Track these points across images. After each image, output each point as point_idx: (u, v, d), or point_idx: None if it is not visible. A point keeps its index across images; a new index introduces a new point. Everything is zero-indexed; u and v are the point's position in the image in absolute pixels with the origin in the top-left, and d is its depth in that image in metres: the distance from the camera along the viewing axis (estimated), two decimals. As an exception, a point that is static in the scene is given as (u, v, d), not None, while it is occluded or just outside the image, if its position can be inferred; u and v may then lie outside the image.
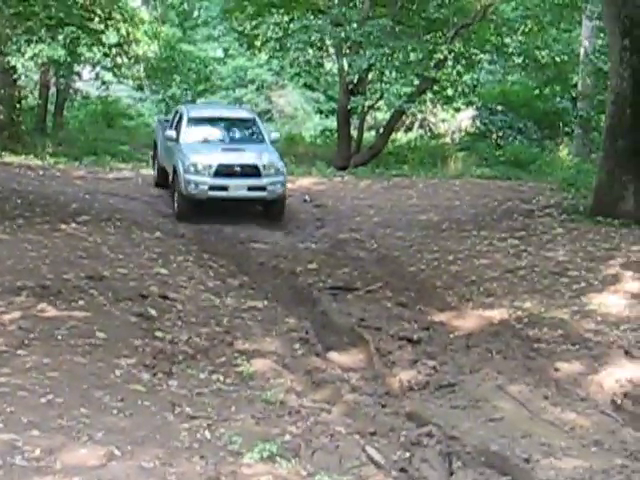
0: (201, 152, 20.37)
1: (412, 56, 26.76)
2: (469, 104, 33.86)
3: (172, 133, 21.21)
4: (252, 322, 12.12)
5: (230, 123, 22.68)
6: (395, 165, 29.08)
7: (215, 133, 22.18)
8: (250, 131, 22.34)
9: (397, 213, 21.58)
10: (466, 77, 31.97)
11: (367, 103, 29.90)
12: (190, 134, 21.23)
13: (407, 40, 26.11)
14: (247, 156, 20.52)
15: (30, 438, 6.89)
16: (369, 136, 32.55)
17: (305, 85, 36.65)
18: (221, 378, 9.53)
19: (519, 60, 32.65)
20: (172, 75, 40.25)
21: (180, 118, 21.95)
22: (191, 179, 19.51)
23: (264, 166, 20.00)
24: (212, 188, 19.55)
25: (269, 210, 20.49)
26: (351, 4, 27.63)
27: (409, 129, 35.66)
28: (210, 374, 9.63)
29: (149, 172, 25.84)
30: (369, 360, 11.34)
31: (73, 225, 16.48)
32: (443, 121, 34.59)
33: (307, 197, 23.31)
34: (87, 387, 8.36)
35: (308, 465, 7.21)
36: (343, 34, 26.61)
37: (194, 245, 16.81)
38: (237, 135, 22.47)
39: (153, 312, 11.58)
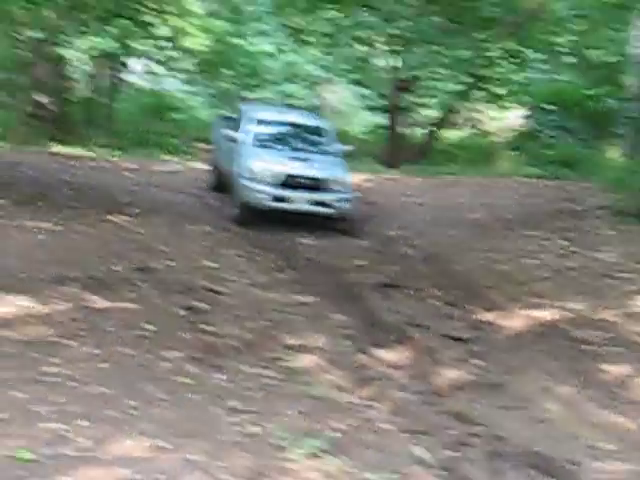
0: (265, 158, 18.87)
1: (463, 54, 26.49)
2: (519, 103, 33.63)
3: (235, 134, 19.61)
4: (299, 317, 12.11)
5: (299, 129, 20.90)
6: (444, 163, 28.93)
7: (282, 139, 20.42)
8: (319, 139, 20.52)
9: (446, 211, 21.46)
10: (516, 76, 31.74)
11: (417, 100, 29.82)
12: (255, 137, 19.65)
13: (458, 38, 25.88)
14: (314, 168, 18.92)
15: (79, 428, 6.96)
16: (419, 134, 32.38)
17: (354, 81, 36.59)
18: (268, 372, 9.53)
19: (570, 59, 32.44)
20: (222, 69, 40.22)
21: (244, 118, 20.40)
22: (252, 187, 18.17)
23: (330, 180, 18.59)
24: (275, 199, 18.18)
25: (335, 226, 18.57)
26: (403, 1, 27.45)
27: (458, 127, 35.44)
28: (257, 368, 9.63)
29: (198, 165, 25.85)
30: (416, 358, 11.30)
31: (122, 217, 16.52)
32: (492, 120, 34.29)
33: (358, 193, 23.14)
34: (135, 379, 8.42)
35: (355, 462, 7.19)
36: (394, 31, 26.46)
37: (242, 239, 16.79)
38: (305, 144, 20.46)
39: (201, 305, 11.64)
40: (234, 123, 20.61)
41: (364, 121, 38.05)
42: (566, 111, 33.56)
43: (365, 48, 31.56)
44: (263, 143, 19.65)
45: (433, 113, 32.46)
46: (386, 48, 30.48)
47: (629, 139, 32.90)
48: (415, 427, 8.43)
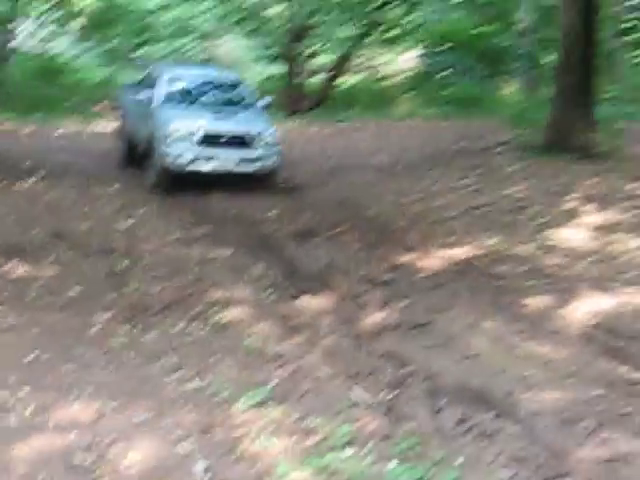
0: (181, 118, 17.38)
1: (355, -1, 26.60)
2: (413, 45, 33.85)
3: (147, 94, 18.27)
4: (222, 271, 12.10)
5: (214, 84, 19.67)
6: (343, 109, 29.02)
7: (197, 96, 18.99)
8: (238, 94, 19.41)
9: (350, 157, 21.61)
10: (408, 18, 31.92)
11: (312, 48, 29.85)
12: (169, 97, 18.35)
13: (350, -17, 25.97)
14: (236, 123, 17.76)
15: (19, 397, 6.90)
16: (316, 81, 32.40)
17: (247, 32, 36.45)
18: (199, 327, 9.54)
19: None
20: (111, 28, 39.73)
21: (156, 79, 18.97)
22: (169, 150, 16.84)
23: (256, 135, 17.35)
24: (196, 160, 16.90)
25: (259, 181, 17.68)
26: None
27: (354, 73, 35.52)
28: (187, 324, 9.60)
29: (96, 126, 25.65)
30: (340, 303, 11.38)
31: (30, 181, 16.33)
32: (387, 63, 34.48)
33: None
34: (69, 343, 8.38)
35: (297, 409, 7.23)
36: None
37: (153, 197, 16.69)
38: (223, 99, 19.22)
39: (123, 265, 11.58)
40: (143, 87, 19.33)
41: (259, 72, 37.88)
42: (459, 50, 33.90)
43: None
44: (177, 102, 18.32)
45: (329, 60, 32.47)
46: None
47: (523, 75, 33.42)
48: (350, 371, 8.48)
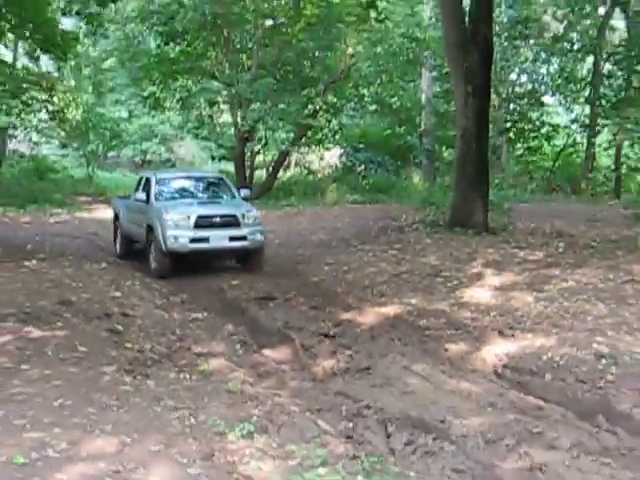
0: (175, 208, 17.01)
1: (292, 108, 26.93)
2: (336, 144, 34.34)
3: (142, 195, 17.75)
4: (199, 330, 12.22)
5: (199, 182, 19.34)
6: (283, 197, 29.29)
7: (186, 192, 18.64)
8: (220, 188, 18.97)
9: (293, 235, 21.86)
10: (333, 123, 32.42)
11: (257, 148, 30.20)
12: (161, 195, 17.95)
13: (287, 95, 26.35)
14: (225, 207, 17.53)
15: (54, 434, 6.91)
16: (260, 174, 32.71)
17: (199, 136, 36.79)
18: (187, 376, 9.60)
19: (374, 107, 33.35)
20: (90, 134, 39.87)
21: (147, 181, 18.46)
22: (169, 234, 16.31)
23: (242, 215, 16.90)
24: (194, 240, 16.37)
25: (249, 260, 17.43)
26: (239, 68, 27.81)
27: (289, 167, 35.91)
28: (178, 374, 9.68)
29: (82, 215, 25.61)
30: (296, 354, 11.53)
31: (34, 262, 16.26)
32: (317, 159, 34.94)
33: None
34: (86, 391, 8.36)
35: (277, 439, 7.34)
36: (235, 92, 26.77)
37: (136, 272, 16.75)
38: (209, 192, 18.89)
39: (119, 327, 11.58)
40: (139, 188, 18.75)
41: (213, 168, 38.09)
42: (373, 148, 34.47)
43: (212, 108, 31.81)
44: (169, 199, 17.94)
45: (271, 157, 32.78)
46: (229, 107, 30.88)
47: (425, 167, 34.05)
48: (313, 407, 8.64)
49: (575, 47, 30.14)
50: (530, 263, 15.37)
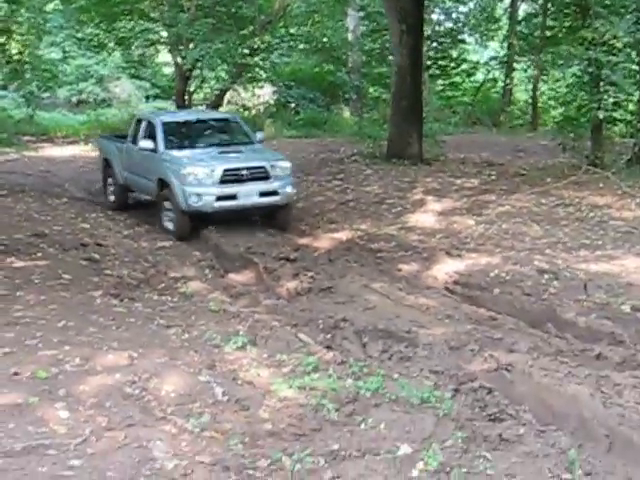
0: (193, 160, 14.06)
1: (230, 47, 26.78)
2: (269, 81, 34.27)
3: (148, 143, 14.60)
4: (169, 257, 12.43)
5: (212, 125, 16.35)
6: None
7: (198, 138, 15.54)
8: (236, 132, 15.95)
9: (237, 168, 21.84)
10: (267, 61, 32.32)
11: (196, 86, 30.12)
12: (172, 143, 14.81)
13: (225, 35, 26.24)
14: (249, 158, 14.40)
15: (66, 352, 7.13)
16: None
17: (135, 76, 36.43)
18: (170, 298, 9.86)
19: (304, 45, 33.32)
20: (28, 74, 39.02)
21: (150, 126, 15.29)
22: (190, 191, 13.49)
23: (272, 166, 14.13)
24: (220, 198, 13.59)
25: (276, 217, 14.49)
26: (179, 10, 27.56)
27: (229, 105, 35.74)
28: (160, 296, 9.94)
29: (30, 153, 25.32)
30: (260, 277, 11.83)
31: (-1, 198, 16.23)
32: (253, 96, 34.83)
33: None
34: (83, 313, 8.57)
35: (266, 350, 7.66)
36: (176, 33, 26.58)
37: (96, 205, 16.78)
38: (225, 138, 15.84)
39: (96, 256, 11.75)
40: (141, 134, 15.48)
41: (147, 107, 37.66)
42: (305, 85, 34.52)
43: (149, 49, 31.52)
44: (181, 147, 14.85)
45: (208, 95, 32.60)
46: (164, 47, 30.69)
47: (354, 102, 34.26)
48: (291, 322, 8.95)
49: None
50: (467, 190, 15.87)
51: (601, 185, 16.17)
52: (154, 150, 14.56)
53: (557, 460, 5.63)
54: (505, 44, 34.31)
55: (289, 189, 14.23)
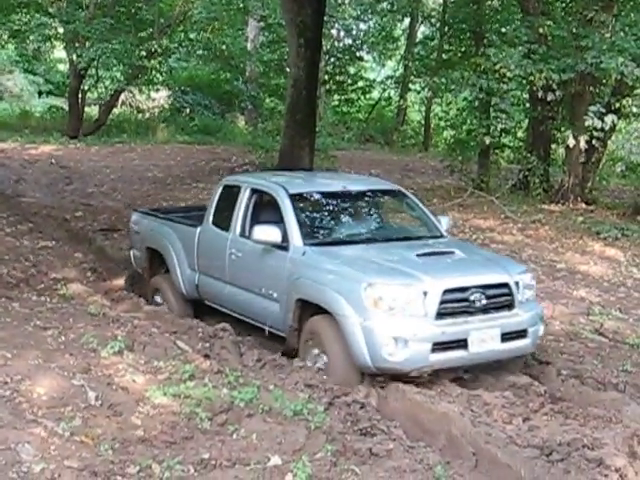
0: (380, 267, 7.91)
1: (127, 48, 26.48)
2: (165, 85, 34.05)
3: (271, 233, 8.47)
4: (50, 257, 12.25)
5: (368, 203, 9.93)
6: (115, 135, 28.87)
7: (355, 226, 9.49)
8: (412, 217, 10.00)
9: (128, 171, 21.70)
10: (164, 65, 32.10)
11: (89, 85, 29.75)
12: (314, 231, 8.97)
13: (123, 36, 25.97)
14: (475, 267, 8.35)
15: None
16: (93, 111, 32.02)
17: (28, 70, 35.69)
18: (49, 299, 9.74)
19: (202, 52, 33.23)
20: None
21: (262, 202, 9.31)
22: (387, 332, 7.33)
23: (517, 283, 8.03)
24: (438, 349, 7.45)
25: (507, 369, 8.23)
26: (77, 7, 27.17)
27: (117, 105, 35.31)
28: (39, 297, 9.81)
29: None
30: (142, 282, 11.77)
31: None
32: (148, 98, 34.48)
33: (53, 160, 22.80)
34: (-42, 313, 8.37)
35: (143, 356, 7.61)
36: (73, 30, 26.18)
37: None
38: (394, 227, 10.15)
39: (-27, 253, 11.51)
40: (219, 215, 9.78)
41: (40, 103, 36.94)
42: (201, 91, 34.43)
43: (45, 44, 30.97)
44: (334, 240, 8.92)
45: (103, 94, 32.13)
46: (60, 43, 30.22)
47: (249, 112, 34.34)
48: (171, 329, 8.88)
49: (394, 8, 30.89)
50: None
51: (485, 208, 16.63)
52: (282, 246, 8.57)
53: (424, 476, 5.76)
54: (402, 64, 34.88)
55: (539, 327, 8.33)
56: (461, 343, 7.54)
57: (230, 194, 9.63)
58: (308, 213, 9.22)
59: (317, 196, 9.55)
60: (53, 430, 5.67)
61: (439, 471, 5.79)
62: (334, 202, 9.59)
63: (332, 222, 9.47)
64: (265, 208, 9.21)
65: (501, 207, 16.33)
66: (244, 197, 9.33)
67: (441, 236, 9.26)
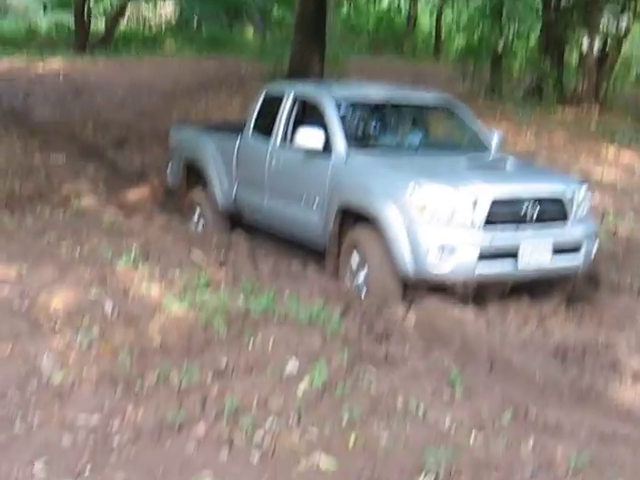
0: (429, 172, 7.52)
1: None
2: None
3: (314, 137, 8.16)
4: (62, 172, 12.20)
5: (416, 114, 9.71)
6: (122, 48, 28.55)
7: (401, 136, 9.39)
8: (456, 130, 9.72)
9: (136, 85, 21.44)
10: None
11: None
12: (360, 138, 8.76)
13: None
14: (527, 178, 8.14)
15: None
16: (99, 25, 31.66)
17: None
18: (62, 213, 9.72)
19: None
20: None
21: (306, 109, 9.07)
22: (432, 238, 7.07)
23: (571, 198, 7.65)
24: (485, 258, 7.15)
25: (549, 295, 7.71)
26: None
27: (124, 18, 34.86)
28: (54, 211, 9.78)
29: None
30: (154, 193, 11.80)
31: None
32: (155, 11, 34.06)
33: (61, 75, 22.57)
34: (-31, 227, 8.36)
35: (159, 265, 7.58)
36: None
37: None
38: (440, 138, 10.14)
39: (-14, 169, 11.47)
40: (260, 124, 9.53)
41: (46, 18, 36.46)
42: (207, 1, 33.88)
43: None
44: (379, 148, 8.74)
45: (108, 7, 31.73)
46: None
47: (258, 22, 33.90)
48: (185, 239, 8.94)
49: None
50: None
51: (499, 115, 16.43)
52: (325, 153, 8.25)
53: (439, 380, 5.78)
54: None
55: (594, 243, 7.95)
56: (510, 255, 7.21)
57: (272, 102, 9.35)
58: (353, 119, 8.96)
59: (363, 103, 9.24)
60: (71, 340, 5.69)
61: (455, 374, 5.81)
62: (380, 110, 9.33)
63: (377, 130, 9.33)
64: (308, 115, 8.93)
65: (515, 112, 16.13)
66: (287, 104, 9.05)
67: (485, 149, 8.95)
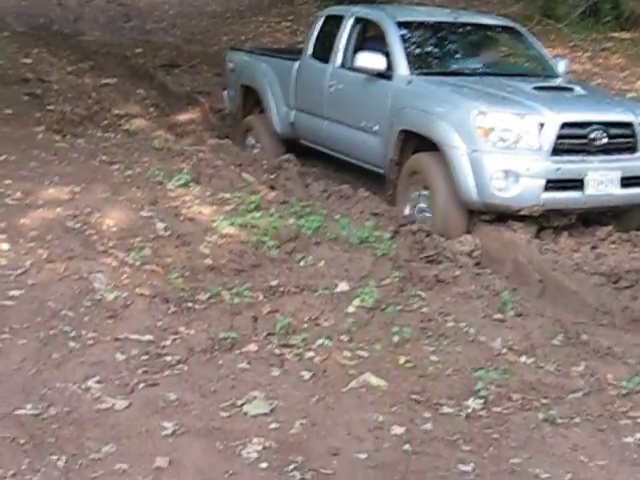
0: (493, 96, 7.38)
1: None
2: None
3: (375, 60, 8.03)
4: (113, 94, 12.17)
5: (481, 38, 9.47)
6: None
7: (465, 59, 9.10)
8: (521, 54, 9.71)
9: (186, 7, 21.23)
10: None
11: None
12: (423, 61, 8.47)
13: None
14: (596, 105, 7.78)
15: (7, 186, 7.00)
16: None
17: None
18: (113, 135, 9.72)
19: None
20: None
21: (366, 32, 8.99)
22: (497, 165, 6.90)
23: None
24: (552, 187, 6.98)
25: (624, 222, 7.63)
26: None
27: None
28: (103, 133, 9.79)
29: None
30: (205, 116, 11.77)
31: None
32: None
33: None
34: (24, 148, 8.38)
35: (210, 188, 7.60)
36: None
37: (39, 40, 16.16)
38: (505, 62, 9.81)
39: (38, 91, 11.47)
40: (318, 47, 9.35)
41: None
42: None
43: None
44: (442, 71, 8.41)
45: None
46: None
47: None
48: (236, 161, 8.87)
49: None
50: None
51: (553, 37, 16.01)
52: (386, 76, 8.09)
53: (490, 301, 5.77)
54: None
55: None
56: (577, 184, 7.01)
57: (332, 24, 9.17)
58: (415, 42, 8.64)
59: (426, 26, 8.98)
60: (124, 260, 5.75)
61: (506, 296, 5.78)
62: (444, 33, 9.06)
63: (441, 53, 9.05)
64: (369, 38, 8.83)
65: (570, 35, 15.74)
66: (347, 26, 8.85)
67: (552, 75, 8.74)
